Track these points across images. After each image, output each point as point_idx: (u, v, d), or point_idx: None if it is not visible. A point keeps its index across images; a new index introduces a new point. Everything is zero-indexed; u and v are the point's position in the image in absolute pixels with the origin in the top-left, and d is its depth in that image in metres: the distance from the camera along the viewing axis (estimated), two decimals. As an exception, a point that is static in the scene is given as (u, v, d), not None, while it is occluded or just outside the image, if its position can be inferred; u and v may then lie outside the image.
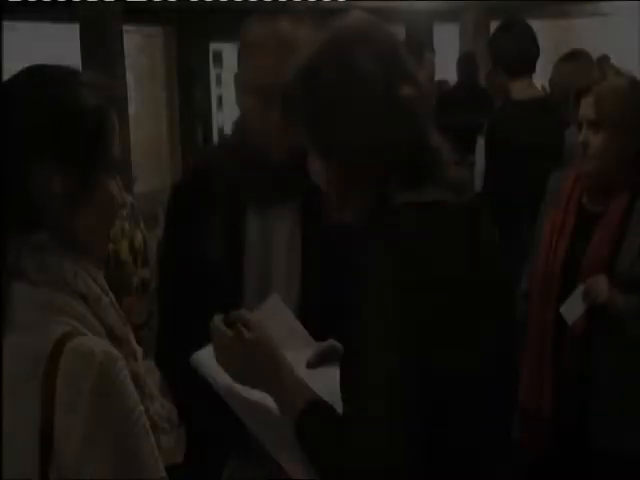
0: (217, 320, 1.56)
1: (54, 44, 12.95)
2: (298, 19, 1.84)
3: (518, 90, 3.96)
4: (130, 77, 11.21)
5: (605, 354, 2.60)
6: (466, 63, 7.45)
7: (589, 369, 2.63)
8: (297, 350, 1.58)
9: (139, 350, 1.37)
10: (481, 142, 4.81)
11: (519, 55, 3.93)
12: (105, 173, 1.35)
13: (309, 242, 1.89)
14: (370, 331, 1.32)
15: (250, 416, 1.55)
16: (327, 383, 1.48)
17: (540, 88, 4.29)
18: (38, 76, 1.34)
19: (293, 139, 1.51)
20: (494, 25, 9.73)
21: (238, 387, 1.55)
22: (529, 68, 3.98)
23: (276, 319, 1.60)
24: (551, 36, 15.39)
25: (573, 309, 2.62)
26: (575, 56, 4.33)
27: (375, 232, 1.39)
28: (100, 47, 8.34)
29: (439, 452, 1.35)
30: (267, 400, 1.52)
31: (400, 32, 11.29)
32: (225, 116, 17.64)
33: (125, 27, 8.86)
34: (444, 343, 1.33)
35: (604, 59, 8.21)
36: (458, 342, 1.35)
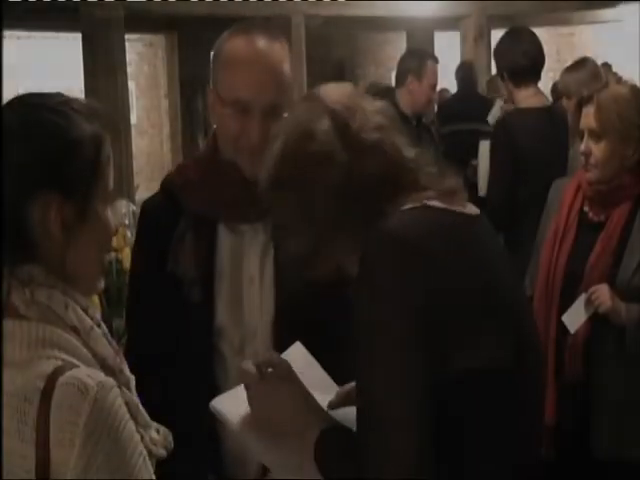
0: (246, 363, 1.54)
1: (55, 53, 12.99)
2: (273, 37, 1.84)
3: (524, 98, 3.95)
4: (132, 85, 11.25)
5: (606, 363, 2.60)
6: (465, 71, 7.45)
7: (591, 378, 2.63)
8: (320, 396, 1.56)
9: (132, 379, 1.35)
10: (484, 146, 4.80)
11: (525, 63, 3.91)
12: (101, 202, 1.34)
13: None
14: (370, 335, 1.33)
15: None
16: (349, 422, 1.45)
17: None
18: (32, 106, 1.32)
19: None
20: (495, 33, 9.77)
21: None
22: (535, 76, 3.97)
23: (299, 365, 1.58)
24: (552, 43, 15.44)
25: (575, 317, 2.62)
26: (581, 64, 4.33)
27: (373, 233, 1.38)
28: (102, 56, 8.36)
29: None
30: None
31: (401, 39, 11.31)
32: (227, 124, 17.77)
33: (127, 35, 8.88)
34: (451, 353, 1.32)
35: (605, 67, 8.21)
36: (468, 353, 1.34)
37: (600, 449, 2.59)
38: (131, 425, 1.22)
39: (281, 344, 1.72)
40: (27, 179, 1.27)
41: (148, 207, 1.98)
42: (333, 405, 1.59)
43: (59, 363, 1.22)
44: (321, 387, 1.61)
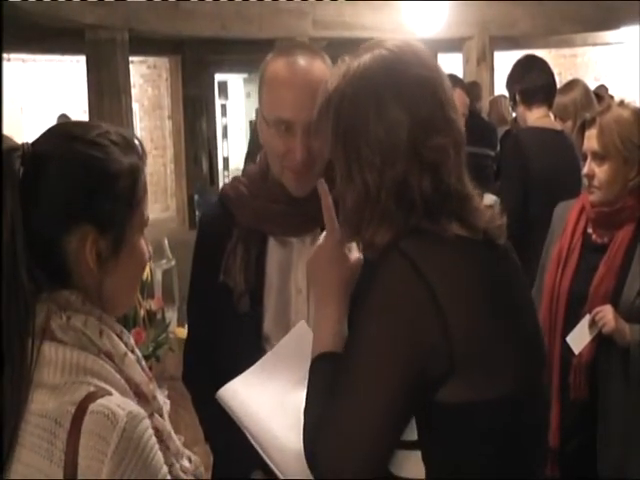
0: (332, 216, 1.58)
1: (60, 76, 13.06)
2: (313, 54, 1.87)
3: (535, 119, 3.95)
4: (135, 107, 11.29)
5: (611, 384, 2.61)
6: (473, 93, 7.46)
7: (595, 399, 2.64)
8: None
9: (167, 405, 1.37)
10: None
11: (539, 84, 3.93)
12: (137, 232, 1.36)
13: None
14: (362, 345, 1.36)
15: (275, 457, 1.58)
16: None
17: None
18: (69, 139, 1.32)
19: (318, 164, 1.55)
20: (497, 55, 9.81)
21: (266, 430, 1.59)
22: (546, 98, 3.97)
23: (304, 345, 1.61)
24: (555, 65, 15.49)
25: (579, 338, 2.63)
26: (570, 87, 4.39)
27: (386, 250, 1.39)
28: (106, 78, 8.39)
29: None
30: (291, 442, 1.54)
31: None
32: (230, 146, 17.76)
33: (130, 57, 8.92)
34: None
35: (602, 88, 8.24)
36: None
37: (605, 470, 2.59)
38: (159, 457, 1.22)
39: None
40: (64, 212, 1.28)
41: (205, 218, 2.09)
42: None
43: (91, 389, 1.23)
44: None
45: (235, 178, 2.04)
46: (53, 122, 10.93)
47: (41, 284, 1.28)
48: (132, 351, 1.35)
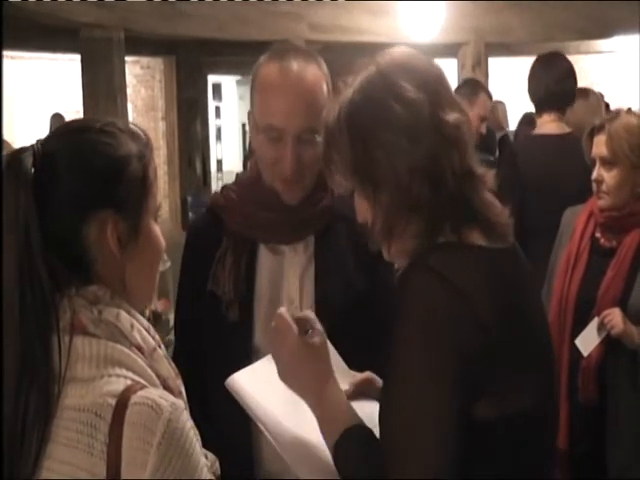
0: (284, 311, 1.53)
1: (54, 74, 13.03)
2: (308, 58, 1.82)
3: (541, 124, 3.88)
4: (129, 107, 11.26)
5: (620, 387, 2.64)
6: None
7: (604, 402, 2.66)
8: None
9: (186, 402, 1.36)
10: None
11: (547, 89, 3.81)
12: (152, 217, 1.37)
13: (322, 278, 1.88)
14: (409, 369, 1.32)
15: (289, 449, 1.54)
16: (363, 417, 1.46)
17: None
18: (78, 131, 1.35)
19: (334, 184, 1.49)
20: (492, 61, 9.84)
21: (281, 420, 1.55)
22: (552, 103, 3.83)
23: (320, 335, 1.56)
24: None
25: (588, 341, 2.66)
26: (585, 94, 4.37)
27: (414, 267, 1.38)
28: (101, 77, 8.36)
29: None
30: (306, 433, 1.52)
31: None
32: (224, 148, 17.75)
33: (125, 58, 8.89)
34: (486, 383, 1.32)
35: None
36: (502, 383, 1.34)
37: (615, 472, 2.61)
38: (199, 448, 1.23)
39: None
40: (82, 200, 1.29)
41: (195, 225, 2.03)
42: (347, 397, 1.56)
43: (128, 382, 1.23)
44: (336, 368, 1.59)
45: (225, 186, 1.99)
46: (46, 121, 10.84)
47: (63, 281, 1.28)
48: (159, 346, 1.35)
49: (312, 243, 1.90)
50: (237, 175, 2.12)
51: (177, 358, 1.99)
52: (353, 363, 1.68)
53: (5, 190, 1.27)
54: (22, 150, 1.29)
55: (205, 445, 1.87)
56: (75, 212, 1.29)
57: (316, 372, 1.49)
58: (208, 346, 1.89)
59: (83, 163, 1.30)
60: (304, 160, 1.77)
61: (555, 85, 3.79)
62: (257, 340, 1.85)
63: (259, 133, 1.81)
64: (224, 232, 1.89)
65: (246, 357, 1.79)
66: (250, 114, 1.87)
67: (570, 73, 3.87)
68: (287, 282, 1.87)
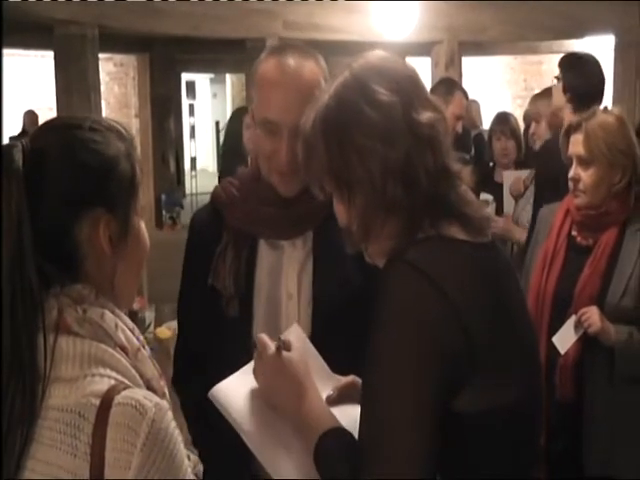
0: (263, 336, 1.59)
1: (27, 70, 12.92)
2: (306, 55, 1.86)
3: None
4: (102, 105, 11.20)
5: (596, 384, 2.66)
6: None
7: (580, 399, 2.68)
8: (318, 381, 1.58)
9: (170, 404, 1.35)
10: (508, 176, 4.58)
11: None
12: (138, 216, 1.37)
13: (319, 273, 1.90)
14: (386, 368, 1.33)
15: (267, 455, 1.56)
16: (346, 421, 1.47)
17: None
18: (67, 128, 1.34)
19: (315, 190, 1.51)
20: (465, 60, 9.88)
21: (262, 430, 1.57)
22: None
23: (297, 349, 1.60)
24: (521, 71, 15.64)
25: (565, 339, 2.68)
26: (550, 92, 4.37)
27: (392, 262, 1.38)
28: (75, 74, 8.29)
29: None
30: (288, 443, 1.53)
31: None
32: (197, 146, 17.68)
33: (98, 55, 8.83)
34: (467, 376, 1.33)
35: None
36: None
37: (591, 469, 2.63)
38: (183, 449, 1.23)
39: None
40: (74, 198, 1.29)
41: (196, 219, 2.05)
42: (331, 401, 1.60)
43: (112, 382, 1.23)
44: (319, 374, 1.62)
45: (227, 180, 2.02)
46: (19, 118, 10.71)
47: (50, 279, 1.27)
48: (144, 347, 1.35)
49: (310, 238, 1.93)
50: (238, 171, 2.12)
51: (180, 351, 2.08)
52: (349, 358, 1.68)
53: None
54: (11, 146, 1.28)
55: (204, 442, 1.87)
56: (67, 210, 1.29)
57: (293, 387, 1.53)
58: (209, 340, 1.93)
59: (74, 160, 1.29)
60: (299, 154, 1.80)
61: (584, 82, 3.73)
62: (256, 334, 1.83)
63: (257, 127, 1.85)
64: (224, 227, 1.92)
65: (245, 352, 1.80)
66: (250, 110, 1.92)
67: (587, 71, 3.83)
68: (286, 277, 1.91)
